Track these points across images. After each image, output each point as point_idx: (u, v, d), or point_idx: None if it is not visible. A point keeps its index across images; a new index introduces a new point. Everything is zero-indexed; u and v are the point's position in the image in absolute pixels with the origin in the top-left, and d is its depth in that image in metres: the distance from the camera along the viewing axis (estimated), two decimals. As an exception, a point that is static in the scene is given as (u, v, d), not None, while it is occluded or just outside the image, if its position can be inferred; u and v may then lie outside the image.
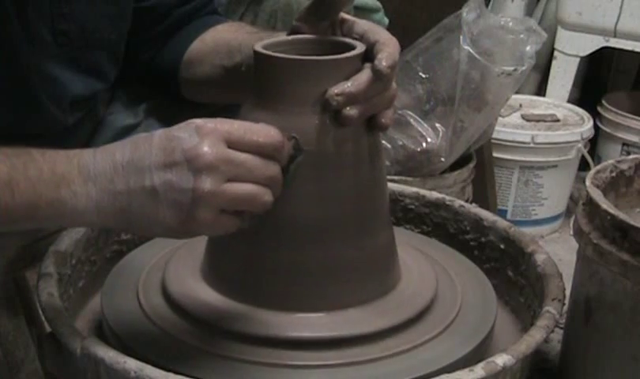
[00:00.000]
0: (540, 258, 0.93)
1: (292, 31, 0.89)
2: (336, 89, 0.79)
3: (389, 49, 0.81)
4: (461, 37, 1.38)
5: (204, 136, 0.70)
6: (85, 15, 1.03)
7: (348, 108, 0.79)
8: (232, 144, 0.71)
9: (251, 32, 1.06)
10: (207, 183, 0.70)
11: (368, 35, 0.83)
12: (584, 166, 1.87)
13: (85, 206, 0.73)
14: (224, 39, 1.09)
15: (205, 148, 0.70)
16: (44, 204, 0.73)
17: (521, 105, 2.00)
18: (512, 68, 1.39)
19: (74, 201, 0.72)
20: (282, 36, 0.90)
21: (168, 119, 1.14)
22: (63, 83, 1.03)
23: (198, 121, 0.72)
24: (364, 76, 0.80)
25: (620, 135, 2.07)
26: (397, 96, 0.85)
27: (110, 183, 0.72)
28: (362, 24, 0.86)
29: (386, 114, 0.83)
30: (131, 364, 0.71)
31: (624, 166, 1.11)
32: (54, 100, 1.02)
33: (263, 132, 0.73)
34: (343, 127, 0.80)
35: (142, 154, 0.72)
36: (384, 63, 0.79)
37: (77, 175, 0.73)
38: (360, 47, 0.82)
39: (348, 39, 0.85)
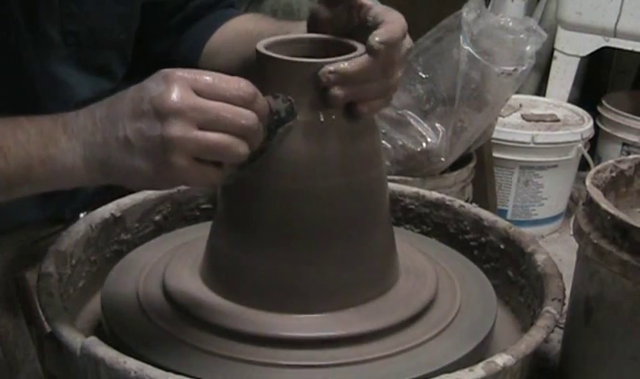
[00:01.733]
0: (540, 258, 0.93)
1: (311, 14, 0.88)
2: (330, 66, 0.77)
3: (387, 26, 0.78)
4: (461, 37, 1.38)
5: (171, 83, 0.71)
6: (95, 15, 1.03)
7: (336, 88, 0.78)
8: (200, 92, 0.71)
9: (272, 22, 1.05)
10: (175, 129, 0.70)
11: (377, 18, 0.81)
12: (584, 166, 1.87)
13: (73, 161, 0.75)
14: (245, 28, 1.09)
15: (172, 95, 0.70)
16: (36, 163, 0.76)
17: (521, 105, 2.00)
18: (512, 68, 1.39)
19: (63, 158, 0.75)
20: (300, 24, 0.89)
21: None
22: (70, 85, 1.03)
23: (167, 70, 0.72)
24: (363, 58, 0.78)
25: (620, 135, 2.07)
26: (395, 88, 0.82)
27: (90, 136, 0.74)
28: (376, 8, 0.83)
29: (372, 103, 0.81)
30: (131, 364, 0.71)
31: (624, 166, 1.11)
32: (59, 103, 1.02)
33: (233, 81, 0.72)
34: (332, 108, 0.78)
35: (116, 107, 0.73)
36: (377, 39, 0.77)
37: (62, 133, 0.75)
38: (361, 49, 0.82)
39: (352, 41, 0.84)
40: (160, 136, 0.70)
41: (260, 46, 0.82)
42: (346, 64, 0.77)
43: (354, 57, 0.79)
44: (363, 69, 0.78)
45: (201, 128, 0.70)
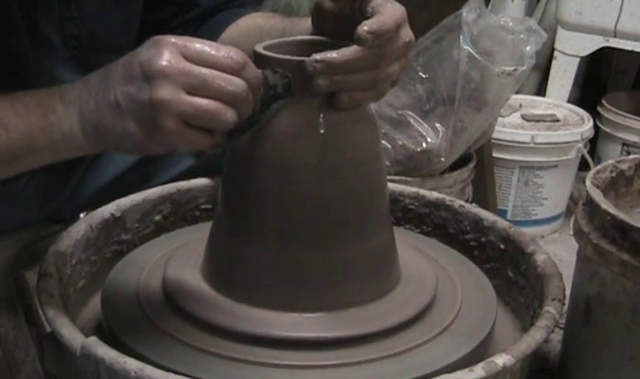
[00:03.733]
0: (540, 258, 0.93)
1: (315, 6, 0.88)
2: (317, 55, 0.77)
3: (380, 16, 0.77)
4: (461, 37, 1.38)
5: (160, 48, 0.72)
6: (95, 19, 1.03)
7: (321, 76, 0.77)
8: (190, 58, 0.72)
9: (282, 18, 1.06)
10: (163, 92, 0.71)
11: (375, 9, 0.80)
12: (584, 166, 1.87)
13: (70, 127, 0.78)
14: (256, 24, 1.10)
15: (161, 59, 0.71)
16: (37, 132, 0.79)
17: (521, 105, 2.00)
18: (512, 68, 1.39)
19: (61, 124, 0.78)
20: (309, 20, 0.89)
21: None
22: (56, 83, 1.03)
23: (159, 36, 0.74)
24: (351, 48, 0.77)
25: (620, 135, 2.07)
26: (388, 81, 0.81)
27: (85, 102, 0.77)
28: (377, 0, 0.82)
29: (356, 94, 0.80)
30: (131, 364, 0.71)
31: (624, 167, 1.11)
32: None
33: (223, 49, 0.73)
34: (315, 96, 0.78)
35: (109, 73, 0.76)
36: (365, 28, 0.76)
37: (60, 102, 0.79)
38: None
39: (348, 43, 0.84)
40: (148, 99, 0.71)
41: (257, 48, 0.82)
42: (333, 53, 0.77)
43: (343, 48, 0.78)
44: (351, 60, 0.77)
45: (190, 93, 0.71)
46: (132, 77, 0.73)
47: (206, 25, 1.15)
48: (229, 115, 0.73)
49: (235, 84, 0.73)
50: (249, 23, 1.12)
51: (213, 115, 0.72)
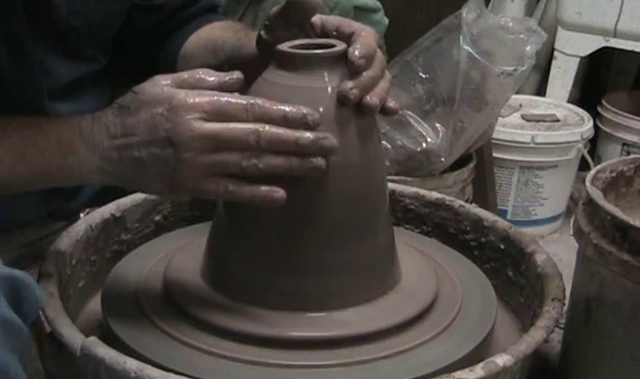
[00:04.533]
0: (540, 258, 0.93)
1: (257, 41, 0.93)
2: (350, 83, 0.80)
3: (362, 39, 0.82)
4: (461, 37, 1.37)
5: (182, 114, 0.76)
6: (94, 11, 1.04)
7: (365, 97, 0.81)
8: (210, 118, 0.76)
9: (237, 31, 1.09)
10: (186, 155, 0.76)
11: (343, 29, 0.85)
12: (584, 166, 1.86)
13: (89, 171, 0.82)
14: (213, 36, 1.13)
15: (183, 128, 0.76)
16: (55, 169, 0.83)
17: (521, 105, 1.99)
18: (512, 68, 1.39)
19: (80, 167, 0.82)
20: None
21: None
22: (54, 74, 1.04)
23: (176, 95, 0.77)
24: (375, 67, 0.82)
25: (620, 135, 2.07)
26: (388, 87, 0.84)
27: (107, 152, 0.80)
28: (332, 21, 0.87)
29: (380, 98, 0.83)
30: (131, 364, 0.71)
31: (624, 167, 1.11)
32: (40, 87, 1.02)
33: (238, 104, 0.77)
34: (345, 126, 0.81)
35: (130, 127, 0.79)
36: (357, 53, 0.80)
37: (80, 144, 0.81)
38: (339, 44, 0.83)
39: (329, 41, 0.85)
40: (172, 162, 0.76)
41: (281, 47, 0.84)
42: (364, 77, 0.80)
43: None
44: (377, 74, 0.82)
45: (212, 151, 0.76)
46: (157, 140, 0.77)
47: (174, 36, 1.18)
48: (261, 169, 0.77)
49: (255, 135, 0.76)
50: (208, 34, 1.15)
51: (233, 167, 0.77)
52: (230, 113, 0.76)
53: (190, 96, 0.77)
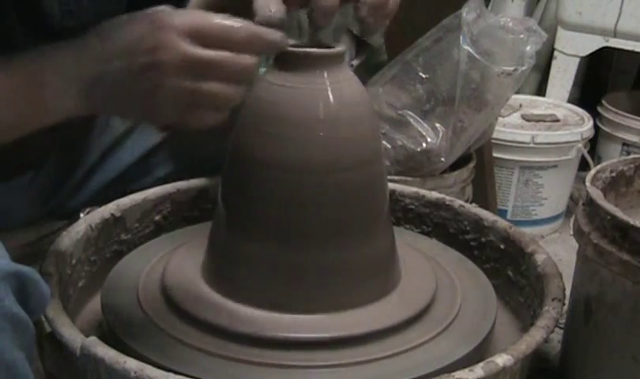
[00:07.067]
0: (540, 258, 0.93)
1: None
2: None
3: None
4: (461, 37, 1.37)
5: (163, 34, 0.70)
6: (88, 12, 1.04)
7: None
8: (197, 39, 0.70)
9: None
10: (166, 81, 0.70)
11: None
12: (584, 166, 1.86)
13: (63, 100, 0.75)
14: None
15: (164, 50, 0.69)
16: (27, 106, 0.76)
17: (521, 105, 1.99)
18: (512, 68, 1.39)
19: (54, 97, 0.75)
20: None
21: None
22: None
23: (158, 15, 0.71)
24: None
25: (620, 135, 2.07)
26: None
27: (83, 77, 0.74)
28: None
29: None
30: (131, 364, 0.71)
31: (624, 167, 1.11)
32: None
33: (231, 24, 0.71)
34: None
35: (110, 51, 0.73)
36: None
37: (51, 74, 0.75)
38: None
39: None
40: (154, 91, 0.70)
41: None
42: None
43: None
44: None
45: (197, 78, 0.70)
46: (138, 63, 0.70)
47: None
48: (237, 94, 0.72)
49: (245, 66, 0.72)
50: None
51: (223, 98, 0.72)
52: (219, 39, 0.70)
53: (177, 15, 0.71)
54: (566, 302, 0.95)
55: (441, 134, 1.41)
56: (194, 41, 0.70)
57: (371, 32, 0.81)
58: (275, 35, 0.74)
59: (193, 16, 0.71)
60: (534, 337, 0.78)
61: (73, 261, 0.93)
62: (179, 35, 0.70)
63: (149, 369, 0.70)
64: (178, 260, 0.92)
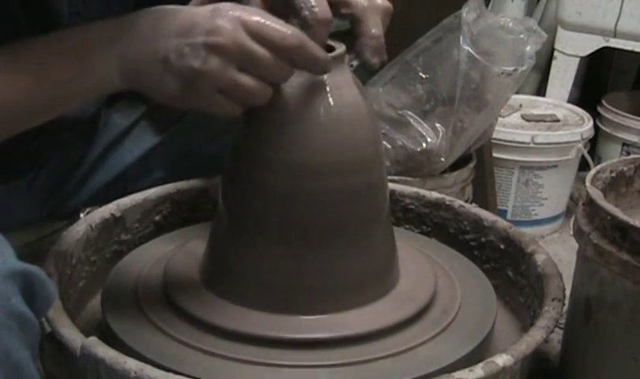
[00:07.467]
0: (540, 258, 0.93)
1: None
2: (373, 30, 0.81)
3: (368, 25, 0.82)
4: (461, 37, 1.37)
5: (225, 19, 0.73)
6: (96, 13, 1.04)
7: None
8: (250, 32, 0.73)
9: None
10: (215, 63, 0.73)
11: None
12: (584, 166, 1.86)
13: (109, 73, 0.77)
14: None
15: (224, 33, 0.72)
16: (72, 79, 0.77)
17: (521, 105, 1.99)
18: (512, 68, 1.39)
19: (98, 70, 0.77)
20: None
21: (171, 115, 1.14)
22: None
23: (222, 4, 0.75)
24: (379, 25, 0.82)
25: (620, 135, 2.07)
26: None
27: (126, 48, 0.76)
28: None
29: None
30: (131, 364, 0.71)
31: (624, 167, 1.11)
32: None
33: (283, 29, 0.74)
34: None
35: (162, 24, 0.76)
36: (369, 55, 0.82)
37: (98, 46, 0.77)
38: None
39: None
40: (199, 67, 0.73)
41: None
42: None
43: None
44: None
45: (239, 69, 0.73)
46: (190, 41, 0.73)
47: None
48: (265, 95, 0.76)
49: (284, 70, 0.75)
50: None
51: (251, 95, 0.75)
52: (271, 39, 0.74)
53: (239, 8, 0.74)
54: (566, 302, 0.95)
55: (441, 134, 1.41)
56: (249, 34, 0.73)
57: (373, 68, 0.84)
58: (321, 53, 0.76)
59: (254, 12, 0.75)
60: (534, 337, 0.78)
61: (73, 261, 0.93)
62: (237, 24, 0.73)
63: (149, 369, 0.70)
64: (178, 261, 0.92)
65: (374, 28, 0.81)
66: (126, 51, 0.77)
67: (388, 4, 0.84)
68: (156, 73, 0.75)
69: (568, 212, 1.93)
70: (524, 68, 1.39)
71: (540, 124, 1.90)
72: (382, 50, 0.82)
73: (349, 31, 0.84)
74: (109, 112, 1.16)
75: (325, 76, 0.82)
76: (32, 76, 0.77)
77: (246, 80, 0.74)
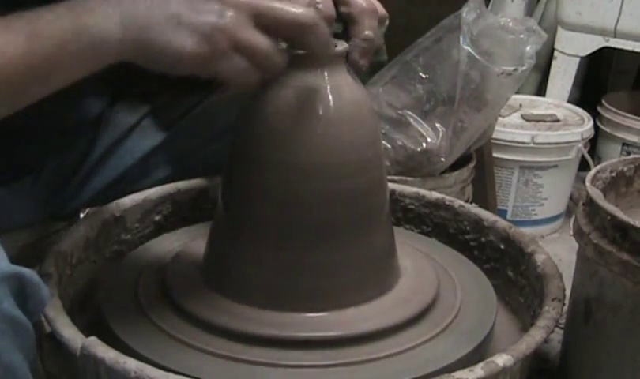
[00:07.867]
0: (540, 258, 0.93)
1: None
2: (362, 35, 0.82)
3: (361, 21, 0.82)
4: (461, 37, 1.37)
5: None
6: None
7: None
8: None
9: None
10: (231, 18, 0.71)
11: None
12: (584, 166, 1.86)
13: (108, 30, 0.72)
14: None
15: None
16: (69, 38, 0.72)
17: (521, 105, 2.00)
18: (512, 68, 1.39)
19: (98, 25, 0.72)
20: None
21: (172, 116, 1.14)
22: None
23: None
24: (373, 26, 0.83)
25: (620, 135, 2.07)
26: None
27: (131, 4, 0.72)
28: None
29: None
30: (131, 364, 0.71)
31: (624, 167, 1.11)
32: None
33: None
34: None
35: None
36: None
37: (97, 2, 0.73)
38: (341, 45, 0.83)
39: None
40: (214, 21, 0.71)
41: None
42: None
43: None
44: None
45: (257, 25, 0.72)
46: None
47: None
48: (280, 62, 0.74)
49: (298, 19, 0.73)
50: None
51: (266, 57, 0.73)
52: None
53: None
54: (566, 302, 0.95)
55: (441, 134, 1.41)
56: None
57: (359, 72, 0.84)
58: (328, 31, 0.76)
59: None
60: (534, 337, 0.78)
61: (74, 261, 0.93)
62: None
63: (149, 369, 0.70)
64: (179, 260, 0.92)
65: (368, 31, 0.81)
66: (130, 8, 0.72)
67: (385, 12, 0.84)
68: (169, 27, 0.72)
69: (568, 212, 1.93)
70: (524, 68, 1.39)
71: (540, 124, 1.90)
72: (372, 53, 0.82)
73: (341, 35, 0.84)
74: (110, 113, 1.16)
75: (325, 75, 0.82)
76: (26, 38, 0.71)
77: (261, 39, 0.72)
